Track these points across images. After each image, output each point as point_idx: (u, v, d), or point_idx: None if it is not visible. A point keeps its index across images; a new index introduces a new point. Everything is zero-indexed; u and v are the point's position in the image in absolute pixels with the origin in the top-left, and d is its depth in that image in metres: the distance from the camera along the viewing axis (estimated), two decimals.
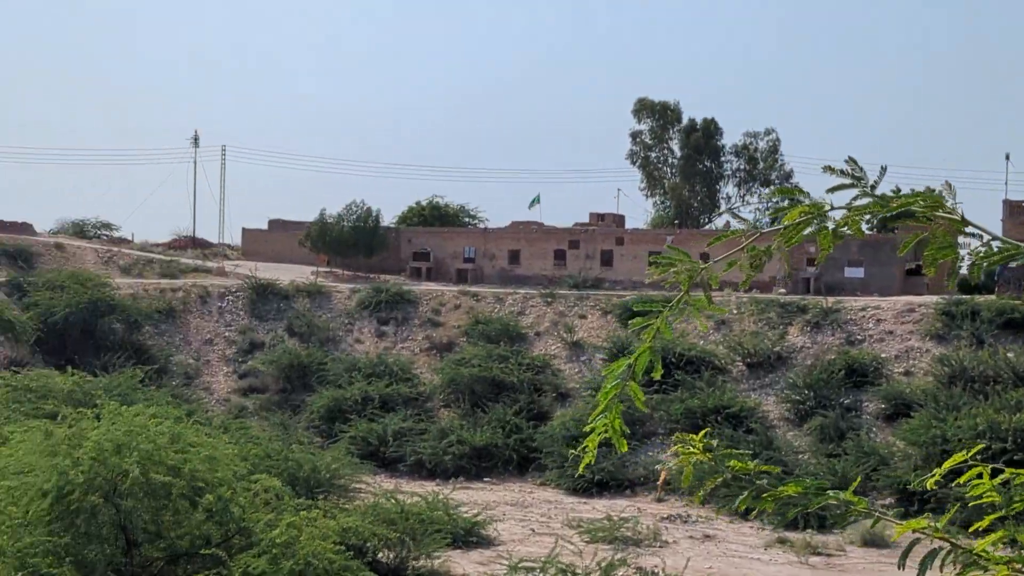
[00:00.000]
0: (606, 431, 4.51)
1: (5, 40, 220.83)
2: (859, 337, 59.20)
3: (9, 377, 39.30)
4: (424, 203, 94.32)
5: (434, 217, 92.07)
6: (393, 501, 34.15)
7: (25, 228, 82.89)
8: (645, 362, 4.40)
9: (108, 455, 20.39)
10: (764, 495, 4.61)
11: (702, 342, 59.10)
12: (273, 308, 69.50)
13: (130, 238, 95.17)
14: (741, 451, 4.76)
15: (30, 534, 19.68)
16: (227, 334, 67.54)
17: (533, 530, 41.50)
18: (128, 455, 20.47)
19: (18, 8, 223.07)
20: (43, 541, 19.57)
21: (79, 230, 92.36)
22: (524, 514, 45.11)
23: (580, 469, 5.05)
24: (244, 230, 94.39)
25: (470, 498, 45.50)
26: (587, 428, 4.57)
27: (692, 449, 4.73)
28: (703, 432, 4.82)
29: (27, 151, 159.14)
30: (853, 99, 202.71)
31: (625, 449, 4.56)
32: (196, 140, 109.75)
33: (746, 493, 4.64)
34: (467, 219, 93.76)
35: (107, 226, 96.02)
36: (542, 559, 29.45)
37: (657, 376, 4.57)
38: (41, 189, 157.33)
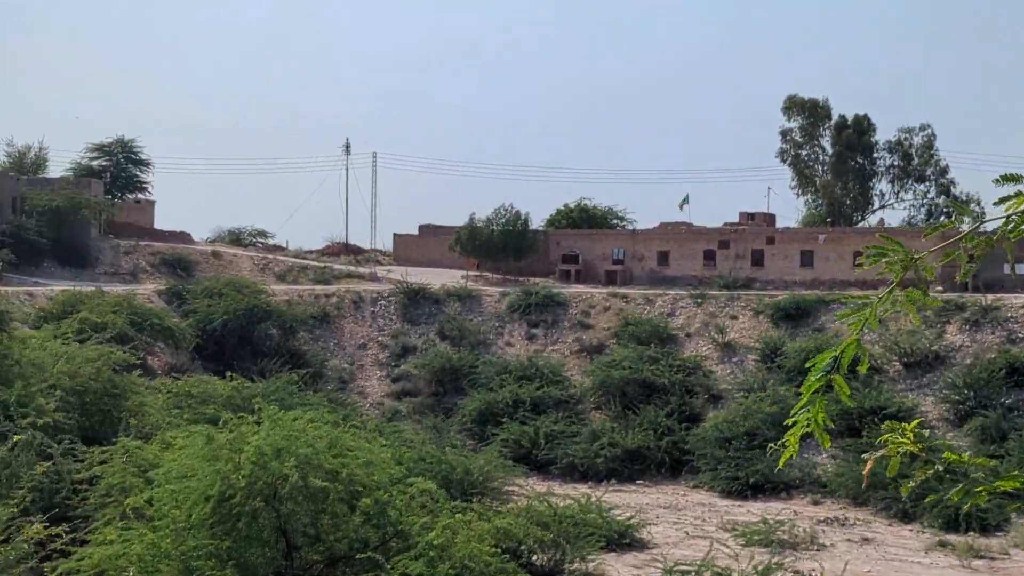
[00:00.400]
0: (808, 425, 4.33)
1: (159, 53, 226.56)
2: (1020, 335, 57.67)
3: (170, 383, 40.07)
4: (572, 205, 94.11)
5: (582, 219, 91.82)
6: (546, 504, 34.09)
7: (183, 237, 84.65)
8: (852, 355, 4.21)
9: (268, 460, 20.62)
10: (979, 488, 4.39)
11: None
12: (424, 312, 70.07)
13: (284, 245, 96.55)
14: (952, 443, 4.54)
15: (193, 537, 20.01)
16: (380, 338, 68.27)
17: (687, 533, 41.16)
18: (287, 460, 20.69)
19: (170, 20, 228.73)
20: (206, 544, 19.88)
21: (235, 238, 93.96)
22: (678, 517, 44.76)
23: (780, 463, 4.88)
24: (395, 235, 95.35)
25: (623, 501, 45.34)
26: (788, 422, 4.40)
27: (902, 439, 4.52)
28: (915, 422, 4.61)
29: (185, 160, 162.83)
30: (1010, 93, 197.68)
31: (828, 445, 4.38)
32: (348, 148, 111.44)
33: (960, 486, 4.43)
34: (615, 221, 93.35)
35: (262, 234, 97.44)
36: (697, 562, 29.28)
37: (863, 370, 4.37)
38: (198, 198, 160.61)
